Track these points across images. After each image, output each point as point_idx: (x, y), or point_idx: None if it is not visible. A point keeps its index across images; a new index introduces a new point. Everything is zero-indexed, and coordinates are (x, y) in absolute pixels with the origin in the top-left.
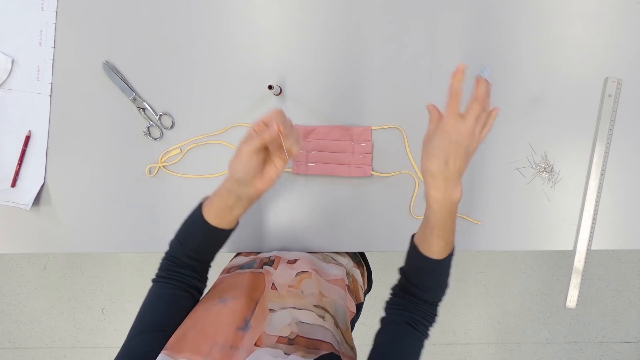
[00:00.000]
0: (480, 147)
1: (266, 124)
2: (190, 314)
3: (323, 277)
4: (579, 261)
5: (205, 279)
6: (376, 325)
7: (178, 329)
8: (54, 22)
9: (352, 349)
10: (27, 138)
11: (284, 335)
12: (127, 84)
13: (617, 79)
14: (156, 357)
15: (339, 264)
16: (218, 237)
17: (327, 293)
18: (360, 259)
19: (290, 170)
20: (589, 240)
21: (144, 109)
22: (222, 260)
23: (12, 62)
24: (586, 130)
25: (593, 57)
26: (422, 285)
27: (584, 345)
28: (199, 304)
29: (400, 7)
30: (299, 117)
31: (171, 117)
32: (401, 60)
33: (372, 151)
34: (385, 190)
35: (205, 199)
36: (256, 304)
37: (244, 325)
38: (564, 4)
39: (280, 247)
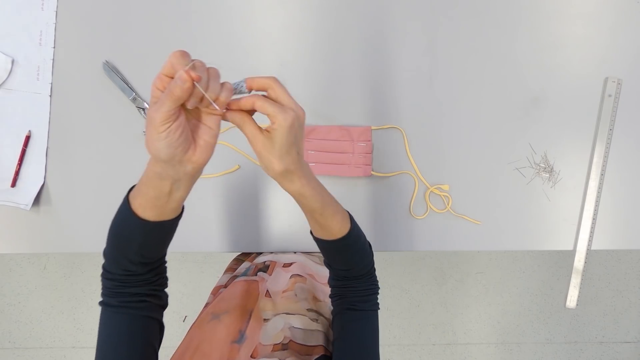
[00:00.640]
0: (481, 147)
1: (169, 75)
2: (187, 333)
3: (319, 281)
4: (579, 261)
5: (164, 282)
6: None
7: (175, 351)
8: (54, 22)
9: None
10: (27, 138)
11: (278, 342)
12: (127, 84)
13: (617, 79)
14: None
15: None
16: (162, 231)
17: (322, 297)
18: None
19: None
20: (589, 240)
21: (144, 109)
22: (222, 260)
23: (12, 62)
24: (586, 130)
25: (593, 57)
26: (347, 266)
27: (584, 345)
28: (195, 322)
29: (400, 7)
30: None
31: None
32: (401, 60)
33: (372, 151)
34: (385, 190)
35: (131, 190)
36: (250, 315)
37: (239, 338)
38: (564, 4)
39: (280, 247)
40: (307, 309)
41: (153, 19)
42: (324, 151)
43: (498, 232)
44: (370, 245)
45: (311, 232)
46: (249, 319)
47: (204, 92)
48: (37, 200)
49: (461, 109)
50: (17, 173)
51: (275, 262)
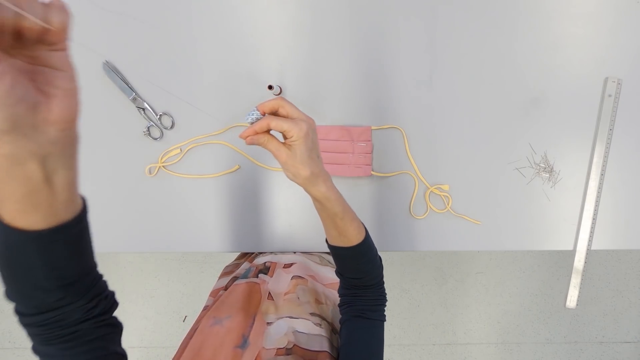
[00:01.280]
0: (480, 147)
1: None
2: (190, 338)
3: (319, 282)
4: (579, 261)
5: (110, 304)
6: None
7: (180, 358)
8: None
9: None
10: None
11: (282, 347)
12: (127, 84)
13: (617, 79)
14: None
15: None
16: (69, 238)
17: (323, 299)
18: None
19: None
20: (589, 240)
21: (144, 109)
22: (222, 260)
23: None
24: (586, 130)
25: (593, 57)
26: (359, 274)
27: (584, 345)
28: (197, 327)
29: (400, 7)
30: None
31: (171, 117)
32: (401, 60)
33: (372, 151)
34: (385, 190)
35: None
36: (254, 319)
37: (243, 343)
38: (564, 4)
39: (280, 247)
40: (311, 313)
41: (153, 19)
42: (324, 151)
43: (498, 232)
44: (380, 259)
45: (326, 241)
46: (253, 323)
47: (22, 13)
48: None
49: (461, 109)
50: None
51: (276, 263)
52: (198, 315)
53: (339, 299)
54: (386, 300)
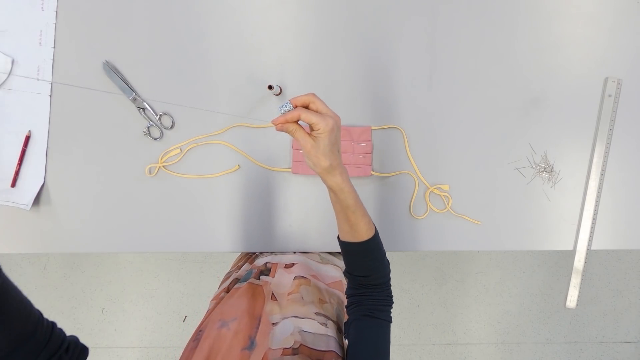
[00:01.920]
0: (480, 147)
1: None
2: (200, 343)
3: (322, 281)
4: (579, 261)
5: (78, 355)
6: None
7: None
8: (54, 22)
9: None
10: (27, 138)
11: (288, 346)
12: (127, 84)
13: (617, 79)
14: None
15: (336, 266)
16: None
17: (327, 298)
18: None
19: (290, 170)
20: (589, 240)
21: (144, 109)
22: (222, 260)
23: (12, 62)
24: (586, 130)
25: (593, 57)
26: (367, 272)
27: (584, 345)
28: (204, 331)
29: (399, 7)
30: None
31: (171, 117)
32: (401, 60)
33: (372, 151)
34: (385, 190)
35: None
36: (259, 320)
37: (250, 345)
38: (564, 4)
39: (280, 247)
40: (316, 313)
41: (153, 19)
42: None
43: (498, 232)
44: (388, 262)
45: (338, 238)
46: (259, 324)
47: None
48: (37, 200)
49: (461, 109)
50: (17, 173)
51: (277, 264)
52: (201, 320)
53: (342, 296)
54: (393, 302)
